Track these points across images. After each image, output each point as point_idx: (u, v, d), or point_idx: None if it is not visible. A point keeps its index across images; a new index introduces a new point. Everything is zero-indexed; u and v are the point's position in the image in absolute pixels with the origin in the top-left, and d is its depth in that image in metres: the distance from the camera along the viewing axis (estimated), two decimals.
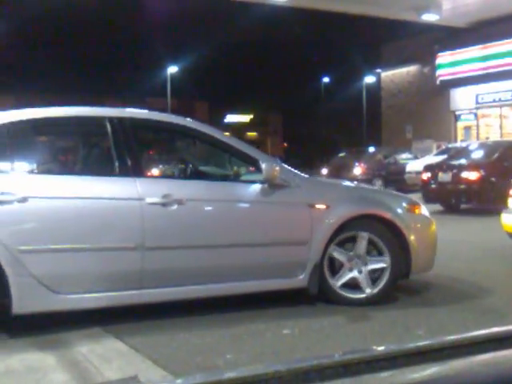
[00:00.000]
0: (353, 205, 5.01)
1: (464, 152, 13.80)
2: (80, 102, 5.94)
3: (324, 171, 20.39)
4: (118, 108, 4.94)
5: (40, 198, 4.16)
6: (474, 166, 12.06)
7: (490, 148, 12.96)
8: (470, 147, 14.23)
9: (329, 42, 46.62)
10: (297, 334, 4.23)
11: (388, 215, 4.99)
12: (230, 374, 0.78)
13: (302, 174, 5.14)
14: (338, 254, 4.90)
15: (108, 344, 3.95)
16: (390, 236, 4.97)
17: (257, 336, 4.16)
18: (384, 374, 0.70)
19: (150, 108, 5.60)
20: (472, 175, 11.77)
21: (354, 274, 4.91)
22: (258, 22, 33.62)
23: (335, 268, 4.94)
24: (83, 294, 4.21)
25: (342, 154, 22.31)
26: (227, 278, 4.62)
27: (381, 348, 0.80)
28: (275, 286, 4.79)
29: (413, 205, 5.25)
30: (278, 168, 4.69)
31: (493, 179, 11.52)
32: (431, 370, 0.69)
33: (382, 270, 4.95)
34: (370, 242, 4.95)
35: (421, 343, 0.82)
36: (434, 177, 12.43)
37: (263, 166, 4.64)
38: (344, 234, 4.90)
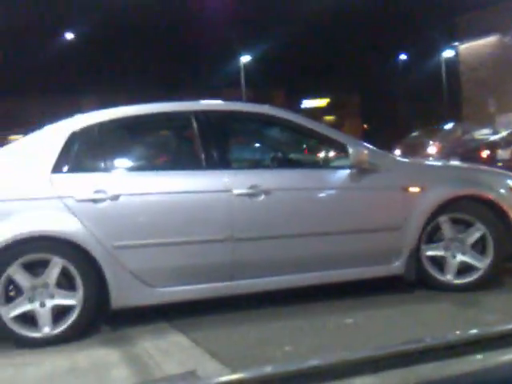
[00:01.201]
0: (449, 186, 4.84)
1: None
2: (159, 97, 6.12)
3: (397, 152, 19.83)
4: (202, 101, 5.04)
5: (131, 195, 4.33)
6: None
7: None
8: None
9: (403, 17, 45.33)
10: (359, 322, 4.19)
11: (489, 195, 4.77)
12: (279, 368, 0.85)
13: (393, 156, 5.03)
14: (433, 250, 4.73)
15: (171, 338, 4.06)
16: (481, 209, 4.73)
17: (318, 327, 4.15)
18: (442, 364, 0.69)
19: (226, 99, 5.68)
20: None
21: (458, 258, 4.73)
22: (330, 2, 33.16)
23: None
24: (177, 286, 4.34)
25: (415, 134, 21.60)
26: (318, 267, 4.59)
27: (437, 337, 0.79)
28: (369, 274, 4.71)
29: None
30: (366, 152, 4.60)
31: None
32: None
33: (483, 240, 4.71)
34: (460, 221, 4.75)
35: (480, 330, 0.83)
36: (493, 154, 11.90)
37: (351, 150, 4.57)
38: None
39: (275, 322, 4.29)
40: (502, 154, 11.69)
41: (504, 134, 14.34)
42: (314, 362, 0.79)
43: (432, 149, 18.46)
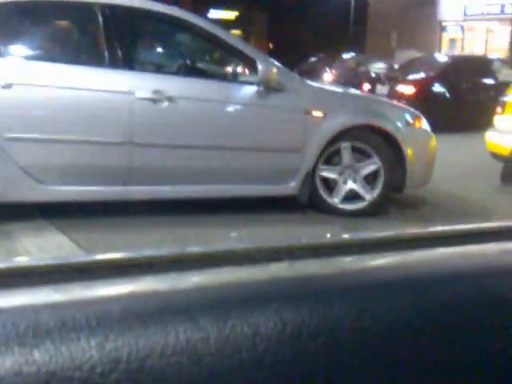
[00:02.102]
0: (350, 114, 4.89)
1: (413, 65, 13.43)
2: None
3: None
4: None
5: (26, 85, 4.08)
6: (408, 80, 11.71)
7: (433, 63, 12.65)
8: (421, 60, 13.90)
9: None
10: (244, 237, 4.27)
11: (386, 127, 4.88)
12: (191, 249, 0.73)
13: (301, 78, 5.01)
14: (328, 172, 4.84)
15: (51, 237, 3.97)
16: (381, 143, 4.86)
17: (202, 237, 4.19)
18: (354, 258, 0.71)
19: None
20: (406, 89, 11.36)
21: (348, 185, 4.87)
22: None
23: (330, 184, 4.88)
24: (68, 186, 4.21)
25: (313, 59, 21.70)
26: (215, 180, 4.58)
27: (355, 236, 0.81)
28: (265, 192, 4.76)
29: (414, 118, 5.15)
30: (275, 70, 4.53)
31: (432, 95, 11.19)
32: (400, 257, 0.70)
33: (376, 173, 4.87)
34: (358, 150, 4.85)
35: (394, 233, 0.84)
36: (373, 88, 12.20)
37: (260, 66, 4.49)
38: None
39: (161, 230, 4.29)
40: (380, 89, 11.90)
41: (382, 69, 14.67)
42: (228, 247, 0.76)
43: (328, 76, 18.68)
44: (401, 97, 10.25)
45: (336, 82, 16.07)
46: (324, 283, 0.59)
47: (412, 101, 10.39)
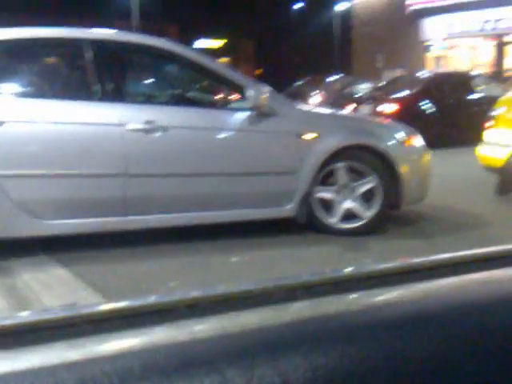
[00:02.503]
0: (343, 134, 4.95)
1: (395, 84, 13.49)
2: (47, 23, 5.69)
3: None
4: (99, 29, 4.78)
5: (18, 122, 4.10)
6: (391, 99, 11.71)
7: (415, 81, 12.64)
8: (400, 80, 13.93)
9: None
10: (245, 261, 4.27)
11: (379, 146, 4.93)
12: (196, 293, 0.69)
13: (292, 102, 5.06)
14: (324, 193, 4.87)
15: (52, 271, 3.95)
16: (375, 162, 4.90)
17: (203, 264, 4.18)
18: (374, 292, 0.68)
19: (117, 28, 5.42)
20: (389, 108, 11.31)
21: (346, 204, 4.89)
22: None
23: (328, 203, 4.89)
24: (65, 219, 4.21)
25: (299, 82, 21.89)
26: (212, 206, 4.60)
27: (372, 266, 0.79)
28: (262, 215, 4.77)
29: (407, 135, 5.18)
30: (265, 95, 4.58)
31: (414, 112, 11.09)
32: (417, 289, 0.69)
33: (372, 191, 4.89)
34: (354, 170, 4.89)
35: (405, 262, 0.81)
36: (356, 109, 12.12)
37: (250, 93, 4.54)
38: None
39: (161, 258, 4.28)
40: (363, 108, 11.86)
41: (367, 89, 14.72)
42: (242, 286, 0.72)
43: (315, 98, 18.83)
44: (384, 116, 10.20)
45: (323, 103, 16.15)
46: (348, 321, 0.57)
47: (395, 119, 10.40)
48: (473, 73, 16.13)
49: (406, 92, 11.98)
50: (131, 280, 3.82)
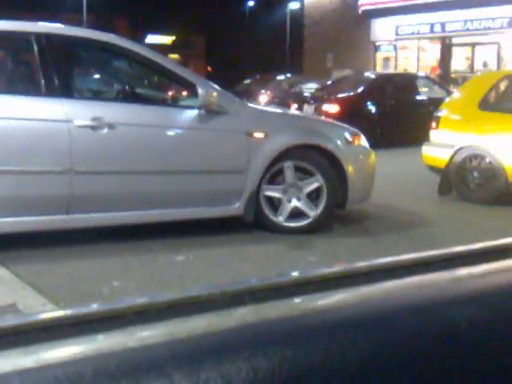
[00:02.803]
0: (291, 134, 4.96)
1: (339, 84, 13.61)
2: None
3: None
4: (45, 23, 4.66)
5: None
6: (333, 99, 11.80)
7: (358, 81, 12.74)
8: (346, 79, 14.05)
9: None
10: (190, 260, 4.24)
11: (327, 146, 4.96)
12: (141, 300, 0.68)
13: (241, 101, 5.04)
14: (272, 191, 4.88)
15: None
16: (322, 161, 4.93)
17: (148, 263, 4.14)
18: (315, 296, 0.69)
19: (66, 24, 5.30)
20: (331, 108, 11.36)
21: (292, 203, 4.91)
22: None
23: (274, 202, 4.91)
24: (9, 217, 4.09)
25: (247, 81, 21.94)
26: (159, 204, 4.54)
27: (314, 270, 0.79)
28: (210, 214, 4.75)
29: (353, 136, 5.24)
30: (215, 94, 4.55)
31: (356, 112, 11.07)
32: (358, 292, 0.70)
33: (318, 190, 4.93)
34: (300, 169, 4.92)
35: (346, 266, 0.83)
36: (301, 108, 12.05)
37: (200, 91, 4.50)
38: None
39: (104, 257, 4.21)
40: (307, 108, 11.88)
41: (312, 89, 14.83)
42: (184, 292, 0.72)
43: (263, 97, 18.89)
44: (326, 115, 10.14)
45: (271, 102, 16.18)
46: (290, 325, 0.58)
47: (337, 119, 10.41)
48: (416, 74, 16.44)
49: (348, 92, 12.07)
50: (72, 280, 3.74)
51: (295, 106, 12.27)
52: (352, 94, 11.96)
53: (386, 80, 12.91)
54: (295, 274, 0.79)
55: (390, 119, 11.52)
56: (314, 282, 0.74)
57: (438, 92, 12.68)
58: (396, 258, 0.84)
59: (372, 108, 11.66)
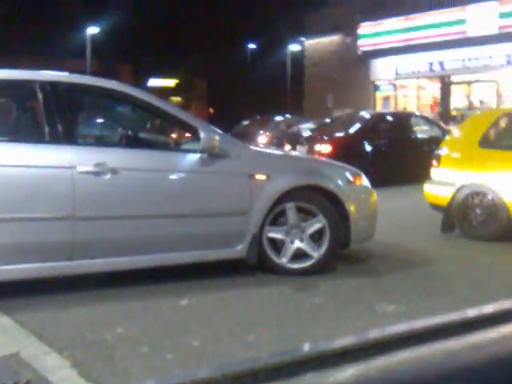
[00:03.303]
0: (293, 175, 4.99)
1: (333, 124, 13.53)
2: None
3: None
4: (48, 71, 4.73)
5: None
6: (325, 139, 11.70)
7: (352, 121, 12.65)
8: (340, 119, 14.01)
9: (255, 7, 46.26)
10: (194, 304, 4.22)
11: (328, 186, 4.99)
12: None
13: (243, 144, 5.10)
14: (275, 233, 4.89)
15: None
16: (324, 202, 4.96)
17: (152, 308, 4.12)
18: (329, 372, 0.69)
19: (70, 71, 5.42)
20: (324, 148, 11.27)
21: (296, 244, 4.91)
22: None
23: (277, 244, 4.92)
24: (10, 265, 4.10)
25: (245, 122, 22.07)
26: (161, 248, 4.55)
27: (325, 343, 0.78)
28: (213, 257, 4.75)
29: (354, 175, 5.27)
30: (217, 137, 4.60)
31: (349, 152, 10.90)
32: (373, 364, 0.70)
33: (321, 231, 4.94)
34: (303, 210, 4.94)
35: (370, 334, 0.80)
36: (294, 148, 11.83)
37: (202, 135, 4.55)
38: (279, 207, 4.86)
39: (108, 303, 4.19)
40: (299, 149, 11.75)
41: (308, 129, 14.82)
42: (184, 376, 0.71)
43: (262, 138, 18.99)
44: (319, 155, 10.13)
45: (269, 143, 16.19)
46: None
47: (330, 159, 10.15)
48: (410, 113, 16.41)
49: (342, 132, 12.05)
50: (76, 327, 3.72)
51: (288, 146, 12.22)
52: (345, 133, 11.94)
53: (380, 119, 12.87)
54: (306, 347, 0.78)
55: (385, 158, 11.47)
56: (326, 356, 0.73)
57: (433, 131, 12.62)
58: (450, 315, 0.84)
59: (366, 147, 11.58)
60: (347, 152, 10.72)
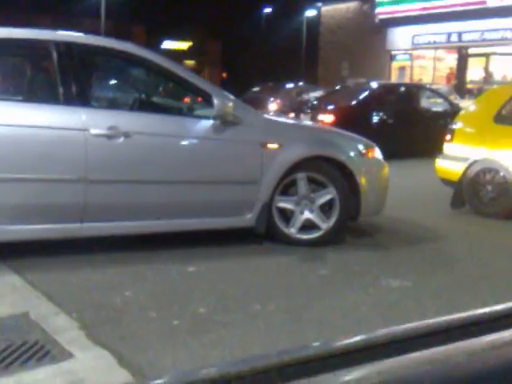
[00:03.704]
0: (305, 145, 4.97)
1: (337, 94, 13.37)
2: (7, 21, 5.60)
3: None
4: (63, 32, 4.69)
5: None
6: (328, 109, 11.52)
7: (359, 91, 12.40)
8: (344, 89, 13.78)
9: None
10: (202, 271, 4.26)
11: (340, 158, 4.97)
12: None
13: (256, 111, 5.07)
14: (285, 203, 4.90)
15: (4, 278, 3.87)
16: (336, 173, 4.94)
17: (160, 273, 4.16)
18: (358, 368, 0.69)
19: (84, 30, 5.37)
20: (326, 118, 11.08)
21: (305, 215, 4.92)
22: None
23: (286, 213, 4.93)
24: (21, 225, 4.14)
25: (255, 89, 21.80)
26: (172, 214, 4.57)
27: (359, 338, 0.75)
28: (222, 225, 4.77)
29: (367, 148, 5.24)
30: (231, 104, 4.58)
31: (349, 123, 10.36)
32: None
33: (331, 202, 4.95)
34: (313, 181, 4.94)
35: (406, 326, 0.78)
36: (297, 117, 11.64)
37: (216, 101, 4.53)
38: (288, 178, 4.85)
39: (118, 267, 4.23)
40: (303, 117, 11.51)
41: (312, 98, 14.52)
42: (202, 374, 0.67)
43: (272, 105, 18.81)
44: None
45: (281, 110, 15.98)
46: None
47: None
48: (419, 85, 16.07)
49: (346, 102, 11.79)
50: (85, 289, 3.77)
51: (292, 114, 12.04)
52: (349, 103, 11.69)
53: (387, 90, 12.61)
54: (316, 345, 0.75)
55: (390, 130, 11.16)
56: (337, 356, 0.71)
57: (442, 104, 12.36)
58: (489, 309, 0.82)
59: (371, 118, 11.34)
60: (351, 123, 10.22)
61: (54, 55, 4.34)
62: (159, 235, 4.66)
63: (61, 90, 4.30)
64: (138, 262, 4.33)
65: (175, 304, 3.59)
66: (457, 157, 6.80)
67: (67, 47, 4.41)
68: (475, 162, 6.56)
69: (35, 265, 4.14)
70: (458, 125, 7.11)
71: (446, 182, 6.96)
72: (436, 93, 13.56)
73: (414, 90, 13.01)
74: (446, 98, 13.03)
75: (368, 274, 4.32)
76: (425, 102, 12.41)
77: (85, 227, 4.31)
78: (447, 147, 7.04)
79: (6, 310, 3.33)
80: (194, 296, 3.75)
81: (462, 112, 7.87)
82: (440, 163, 7.05)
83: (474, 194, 6.56)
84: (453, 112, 10.87)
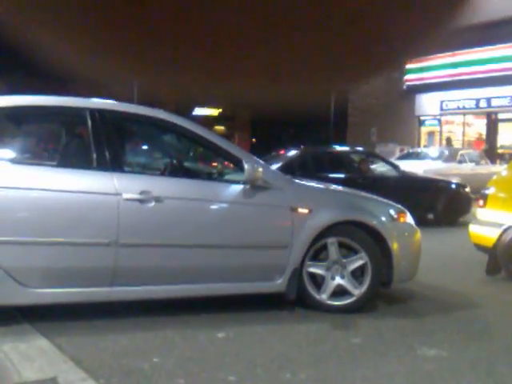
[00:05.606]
0: (336, 210, 4.96)
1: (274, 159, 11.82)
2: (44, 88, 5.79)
3: None
4: (97, 99, 4.84)
5: (11, 189, 4.10)
6: None
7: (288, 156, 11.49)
8: None
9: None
10: (231, 337, 4.19)
11: (371, 222, 4.94)
12: None
13: (286, 176, 5.11)
14: (315, 268, 4.85)
15: (33, 342, 3.85)
16: (367, 238, 4.90)
17: (189, 339, 4.10)
18: None
19: (118, 99, 5.52)
20: None
21: (336, 281, 4.87)
22: None
23: (317, 279, 4.88)
24: (53, 288, 4.16)
25: (273, 154, 21.72)
26: (202, 279, 4.55)
27: None
28: (252, 290, 4.73)
29: (398, 213, 5.21)
30: (260, 169, 4.63)
31: None
32: None
33: (363, 268, 4.89)
34: (345, 246, 4.89)
35: None
36: None
37: (246, 166, 4.59)
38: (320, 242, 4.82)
39: (146, 331, 4.19)
40: None
41: None
42: None
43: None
44: None
45: None
46: None
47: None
48: (352, 150, 13.22)
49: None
50: (113, 354, 3.72)
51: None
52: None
53: (310, 156, 11.38)
54: None
55: None
56: None
57: (382, 169, 11.29)
58: None
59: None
60: None
61: (89, 122, 4.46)
62: (188, 299, 4.61)
63: (94, 155, 4.39)
64: (166, 327, 4.28)
65: (204, 371, 3.51)
66: (490, 222, 6.69)
67: (101, 114, 4.53)
68: (510, 227, 6.44)
69: (63, 328, 4.12)
70: (490, 190, 7.03)
71: (480, 247, 6.83)
72: (378, 157, 12.05)
73: (347, 155, 11.90)
74: (390, 162, 11.76)
75: (402, 343, 4.20)
76: (362, 168, 11.03)
77: (114, 291, 4.31)
78: (480, 212, 6.95)
79: (35, 374, 3.30)
80: (224, 363, 3.67)
81: (495, 177, 7.79)
82: (473, 229, 6.94)
83: (510, 259, 6.41)
84: (397, 174, 10.66)
